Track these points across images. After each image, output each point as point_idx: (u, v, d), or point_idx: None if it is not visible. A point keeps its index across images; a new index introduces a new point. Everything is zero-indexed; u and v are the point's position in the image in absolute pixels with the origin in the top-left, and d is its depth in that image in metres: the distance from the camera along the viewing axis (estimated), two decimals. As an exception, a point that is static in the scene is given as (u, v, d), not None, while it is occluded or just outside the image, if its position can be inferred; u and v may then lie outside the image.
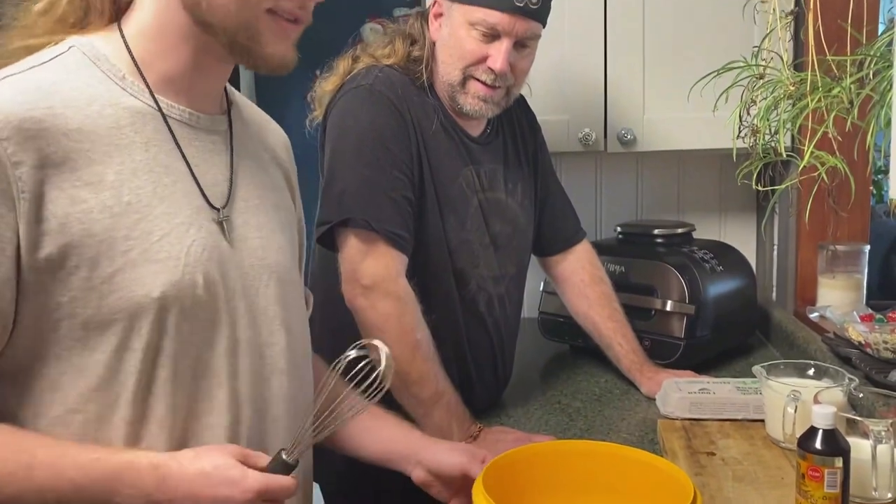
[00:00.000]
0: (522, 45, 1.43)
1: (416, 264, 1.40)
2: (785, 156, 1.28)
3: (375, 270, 1.34)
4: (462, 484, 1.07)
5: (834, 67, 1.20)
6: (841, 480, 1.00)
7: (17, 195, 0.78)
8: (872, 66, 1.17)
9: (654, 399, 1.52)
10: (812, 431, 1.02)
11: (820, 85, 1.17)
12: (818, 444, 1.01)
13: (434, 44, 1.47)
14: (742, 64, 1.31)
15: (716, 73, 1.33)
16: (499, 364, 1.57)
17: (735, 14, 1.45)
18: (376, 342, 0.90)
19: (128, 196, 0.84)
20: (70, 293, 0.81)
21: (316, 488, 1.19)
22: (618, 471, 1.04)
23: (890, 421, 1.06)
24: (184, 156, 0.90)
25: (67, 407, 0.83)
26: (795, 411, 1.18)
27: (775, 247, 2.08)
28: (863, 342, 1.46)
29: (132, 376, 0.84)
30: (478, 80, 1.42)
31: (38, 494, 0.79)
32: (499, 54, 1.39)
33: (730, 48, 1.48)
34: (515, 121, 1.62)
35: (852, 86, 1.14)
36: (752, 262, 2.11)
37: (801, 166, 1.20)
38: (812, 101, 1.17)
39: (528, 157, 1.64)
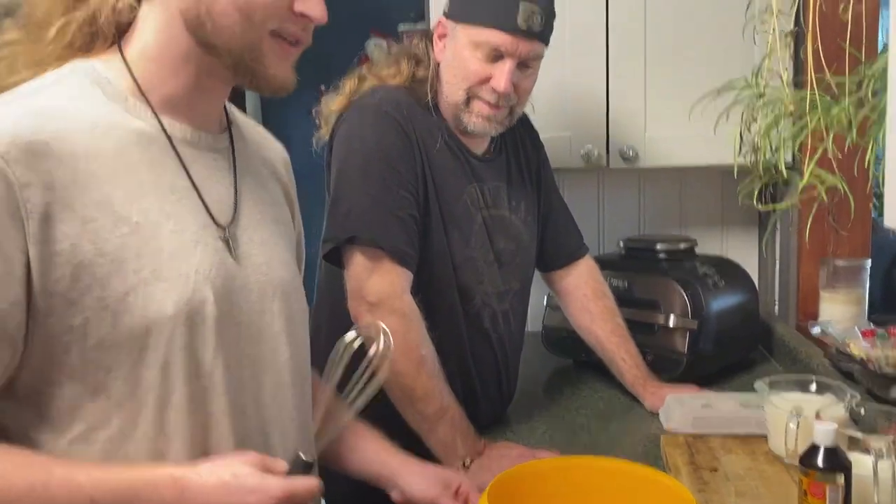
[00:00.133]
0: (525, 65, 1.44)
1: (420, 281, 1.41)
2: (786, 174, 1.29)
3: (381, 287, 1.36)
4: None
5: (833, 86, 1.21)
6: (843, 497, 1.01)
7: (25, 216, 0.78)
8: (871, 85, 1.18)
9: (658, 414, 1.54)
10: (814, 448, 1.03)
11: (819, 104, 1.19)
12: (820, 462, 1.02)
13: (438, 64, 1.48)
14: (743, 84, 1.33)
15: (717, 93, 1.34)
16: (503, 379, 1.57)
17: (735, 33, 1.46)
18: (378, 322, 0.95)
19: (137, 216, 0.85)
20: (83, 314, 0.81)
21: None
22: (621, 487, 1.05)
23: (891, 437, 1.07)
24: (189, 175, 0.91)
25: (88, 425, 0.84)
26: (797, 427, 1.19)
27: (777, 262, 2.09)
28: (864, 358, 1.47)
29: (150, 392, 0.85)
30: (481, 99, 1.44)
31: None
32: (502, 75, 1.41)
33: (730, 66, 1.50)
34: (518, 138, 1.64)
35: (851, 106, 1.15)
36: (754, 276, 2.11)
37: (802, 186, 1.21)
38: (812, 120, 1.18)
39: (532, 174, 1.66)
